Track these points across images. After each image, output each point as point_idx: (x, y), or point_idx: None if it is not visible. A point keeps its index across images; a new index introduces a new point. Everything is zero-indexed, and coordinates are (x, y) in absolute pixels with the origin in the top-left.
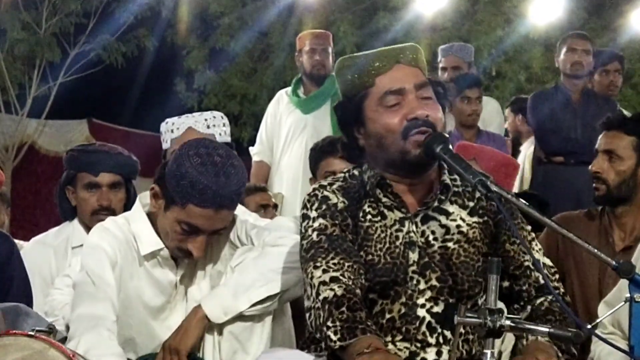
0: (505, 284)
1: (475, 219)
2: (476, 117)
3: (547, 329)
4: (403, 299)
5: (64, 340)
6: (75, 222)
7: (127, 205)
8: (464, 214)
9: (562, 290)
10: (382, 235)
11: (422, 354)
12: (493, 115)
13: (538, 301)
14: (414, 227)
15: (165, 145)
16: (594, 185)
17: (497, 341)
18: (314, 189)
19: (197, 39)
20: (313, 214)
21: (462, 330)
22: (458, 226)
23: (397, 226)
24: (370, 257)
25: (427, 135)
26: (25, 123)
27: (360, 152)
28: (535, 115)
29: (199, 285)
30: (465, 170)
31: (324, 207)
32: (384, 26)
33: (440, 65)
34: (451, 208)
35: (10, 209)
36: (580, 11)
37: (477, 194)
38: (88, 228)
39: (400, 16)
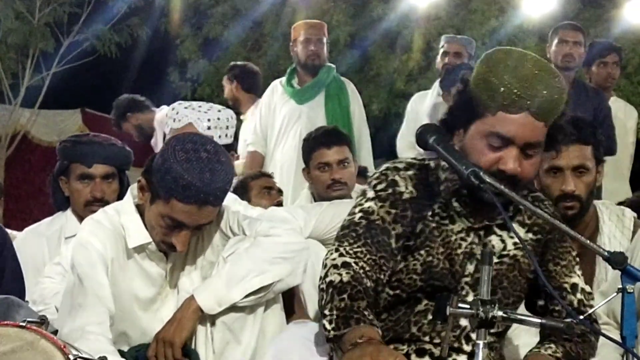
0: (541, 302)
1: (530, 235)
2: None
3: (538, 320)
4: None
5: (55, 332)
6: (69, 212)
7: (121, 196)
8: (522, 232)
9: (593, 317)
10: (447, 240)
11: (454, 355)
12: None
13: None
14: (476, 239)
15: (166, 130)
16: (566, 204)
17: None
18: (387, 168)
19: (190, 29)
20: (371, 193)
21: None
22: (515, 243)
23: (462, 234)
24: (430, 258)
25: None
26: (18, 112)
27: (449, 142)
28: None
29: (190, 276)
30: (458, 161)
31: (388, 191)
32: (378, 16)
33: (443, 49)
34: (514, 225)
35: (4, 199)
36: (574, 1)
37: None
38: (81, 218)
39: (394, 6)
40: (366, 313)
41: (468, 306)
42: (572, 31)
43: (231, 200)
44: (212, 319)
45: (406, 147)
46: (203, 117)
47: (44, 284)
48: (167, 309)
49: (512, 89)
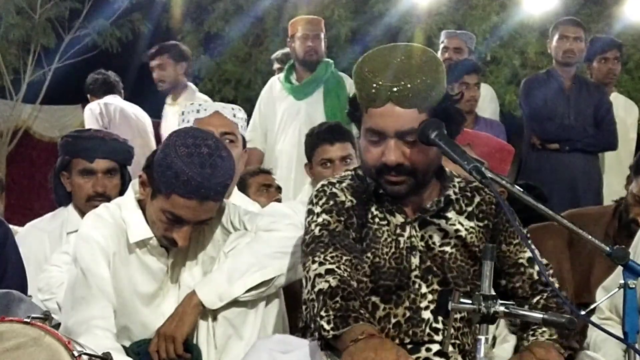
0: (502, 282)
1: (473, 223)
2: (474, 103)
3: (540, 315)
4: (407, 304)
5: (57, 325)
6: (70, 207)
7: (122, 192)
8: (461, 218)
9: (557, 285)
10: (389, 239)
11: (427, 345)
12: (487, 102)
13: (534, 300)
14: (414, 232)
15: (187, 123)
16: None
17: (491, 326)
18: (323, 185)
19: (191, 24)
20: (317, 209)
21: (459, 324)
22: (456, 230)
23: (399, 230)
24: (377, 259)
25: (398, 180)
26: (20, 108)
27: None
28: (529, 101)
29: (191, 271)
30: (460, 157)
31: (330, 203)
32: (379, 12)
33: (443, 44)
34: (449, 214)
35: (5, 194)
36: None
37: (477, 199)
38: (83, 213)
39: (396, 1)
40: (362, 312)
41: (470, 301)
42: (572, 27)
43: (244, 202)
44: (213, 314)
45: None
46: (227, 106)
47: (51, 272)
48: (169, 304)
49: (371, 83)
